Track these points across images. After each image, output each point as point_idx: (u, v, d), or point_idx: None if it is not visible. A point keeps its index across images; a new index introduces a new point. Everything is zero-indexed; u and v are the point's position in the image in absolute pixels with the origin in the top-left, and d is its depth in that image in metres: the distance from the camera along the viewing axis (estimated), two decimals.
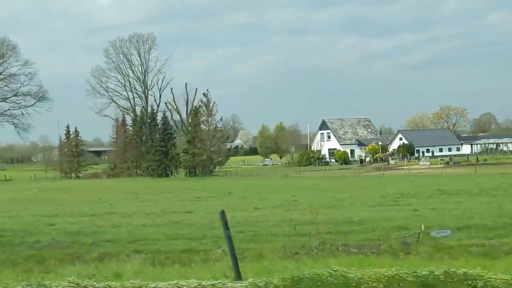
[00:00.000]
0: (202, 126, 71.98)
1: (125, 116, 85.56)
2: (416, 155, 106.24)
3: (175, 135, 76.67)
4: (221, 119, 71.84)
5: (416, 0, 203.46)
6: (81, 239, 19.05)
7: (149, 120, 77.48)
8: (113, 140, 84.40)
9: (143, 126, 77.93)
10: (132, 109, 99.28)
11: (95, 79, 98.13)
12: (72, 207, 31.59)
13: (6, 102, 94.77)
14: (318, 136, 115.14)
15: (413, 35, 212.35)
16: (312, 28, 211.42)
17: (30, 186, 65.11)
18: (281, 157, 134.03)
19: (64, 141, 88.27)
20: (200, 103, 71.11)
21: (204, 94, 70.64)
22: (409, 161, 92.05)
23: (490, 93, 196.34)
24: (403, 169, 74.19)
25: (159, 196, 38.96)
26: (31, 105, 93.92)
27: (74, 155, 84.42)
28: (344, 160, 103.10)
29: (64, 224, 23.25)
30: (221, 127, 72.08)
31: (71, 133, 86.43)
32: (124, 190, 48.08)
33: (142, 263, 12.49)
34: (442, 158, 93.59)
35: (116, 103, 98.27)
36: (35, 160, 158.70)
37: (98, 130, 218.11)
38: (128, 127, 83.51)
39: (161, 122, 75.93)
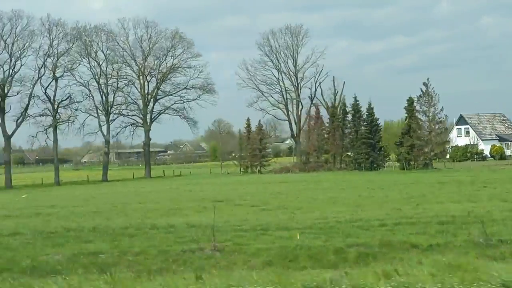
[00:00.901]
0: (420, 116, 68.12)
1: (319, 108, 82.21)
2: None
3: (381, 127, 72.99)
4: (442, 109, 67.54)
5: (409, 3, 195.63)
6: None
7: (352, 112, 73.94)
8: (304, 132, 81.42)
9: (345, 118, 74.52)
10: (284, 103, 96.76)
11: (246, 72, 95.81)
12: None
13: (172, 96, 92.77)
14: (455, 131, 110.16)
15: (406, 38, 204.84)
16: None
17: (236, 180, 62.52)
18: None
19: (244, 134, 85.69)
20: (421, 92, 67.12)
21: (425, 84, 66.76)
22: None
23: (483, 95, 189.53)
24: None
25: None
26: (195, 99, 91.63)
27: (258, 149, 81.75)
28: (500, 155, 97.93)
29: None
30: (441, 118, 67.89)
31: (251, 125, 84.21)
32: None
33: None
34: None
35: (268, 97, 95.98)
36: (85, 161, 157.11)
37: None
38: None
39: (367, 113, 72.43)
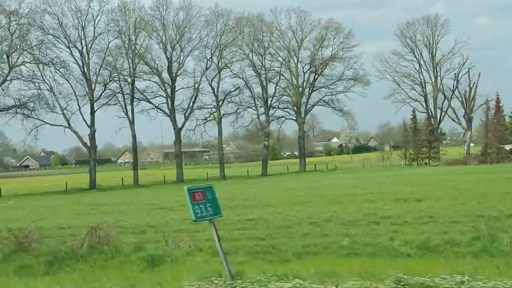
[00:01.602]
0: None
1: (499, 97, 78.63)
2: None
3: None
4: None
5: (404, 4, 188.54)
6: None
7: None
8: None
9: None
10: (423, 95, 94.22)
11: (382, 64, 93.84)
12: None
13: (324, 88, 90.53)
14: None
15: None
16: None
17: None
18: None
19: (411, 125, 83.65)
20: None
21: None
22: None
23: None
24: None
25: None
26: (344, 91, 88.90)
27: (428, 140, 79.50)
28: None
29: None
30: None
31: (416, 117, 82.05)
32: None
33: None
34: None
35: (406, 89, 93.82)
36: (121, 161, 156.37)
37: None
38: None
39: None
